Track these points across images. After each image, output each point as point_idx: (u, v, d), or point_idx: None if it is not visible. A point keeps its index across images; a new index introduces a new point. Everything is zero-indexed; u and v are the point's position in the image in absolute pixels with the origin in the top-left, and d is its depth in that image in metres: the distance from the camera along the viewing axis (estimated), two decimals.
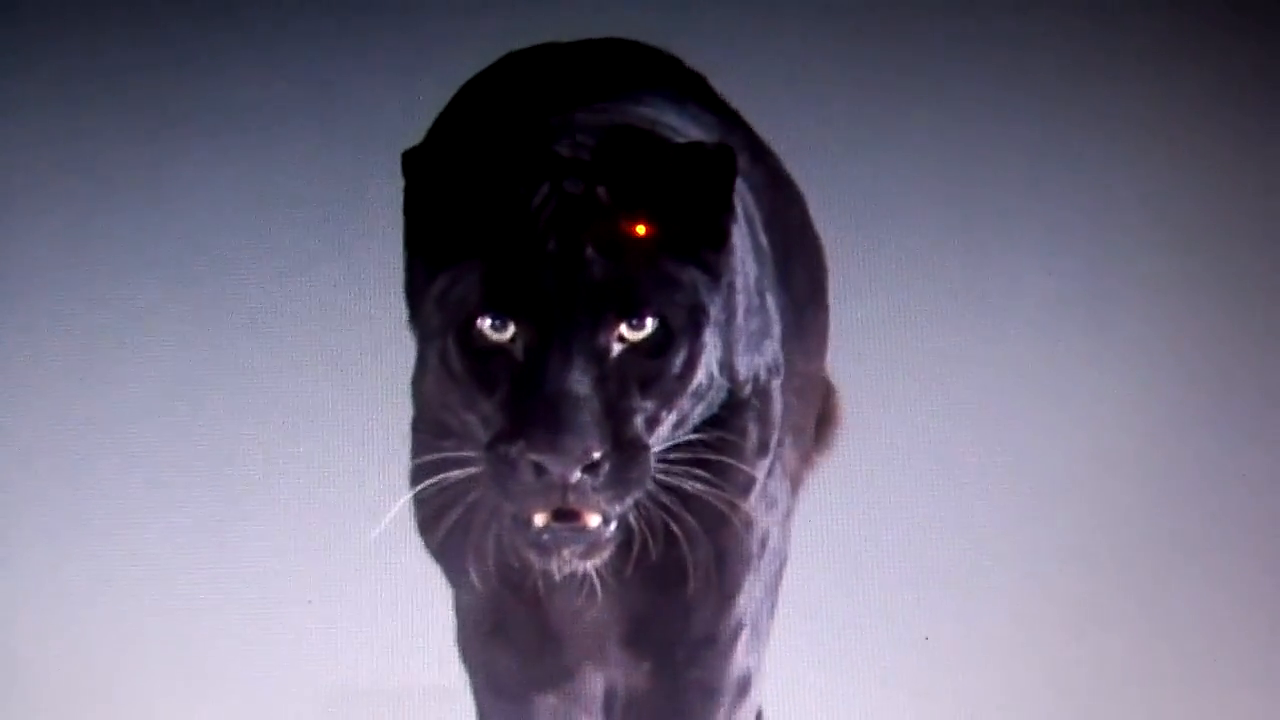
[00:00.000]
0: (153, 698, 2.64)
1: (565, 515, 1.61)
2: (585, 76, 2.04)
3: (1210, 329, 2.99)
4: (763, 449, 1.84)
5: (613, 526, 1.63)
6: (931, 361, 2.94)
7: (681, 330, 1.64)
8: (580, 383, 1.58)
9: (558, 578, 1.67)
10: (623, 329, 1.62)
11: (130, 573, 2.75)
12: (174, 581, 2.74)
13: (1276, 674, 2.68)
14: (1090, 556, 2.78)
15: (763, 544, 1.91)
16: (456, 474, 1.62)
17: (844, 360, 2.78)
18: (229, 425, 2.89)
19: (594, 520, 1.61)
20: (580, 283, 1.60)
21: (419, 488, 1.67)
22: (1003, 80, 3.26)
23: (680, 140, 1.80)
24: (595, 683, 1.93)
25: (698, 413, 1.67)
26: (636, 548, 1.67)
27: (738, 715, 2.02)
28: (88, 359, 2.96)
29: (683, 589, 1.77)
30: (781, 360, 1.90)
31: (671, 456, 1.63)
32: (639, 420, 1.60)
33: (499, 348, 1.62)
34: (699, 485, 1.64)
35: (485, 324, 1.62)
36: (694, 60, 2.33)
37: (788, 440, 1.95)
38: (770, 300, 1.91)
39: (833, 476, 2.72)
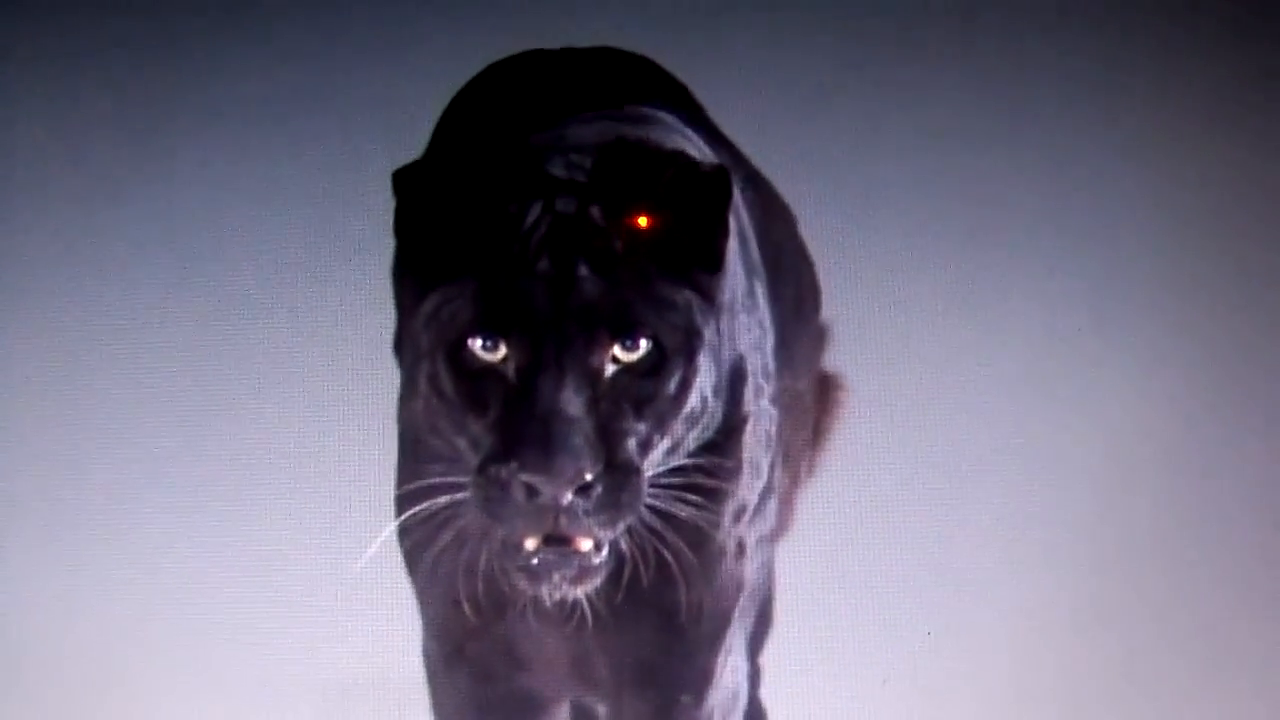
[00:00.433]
0: (155, 693, 2.64)
1: (556, 540, 1.60)
2: (575, 87, 2.02)
3: (1212, 325, 3.00)
4: (756, 472, 1.83)
5: (604, 553, 1.61)
6: (932, 358, 2.94)
7: (676, 352, 1.62)
8: (573, 403, 1.56)
9: (548, 603, 1.64)
10: (616, 350, 1.60)
11: (131, 569, 2.76)
12: (175, 578, 2.75)
13: (1276, 669, 2.68)
14: (1092, 552, 2.78)
15: (756, 568, 1.89)
16: (444, 499, 1.60)
17: (844, 356, 2.79)
18: (230, 421, 2.90)
19: (585, 544, 1.60)
20: (573, 302, 1.59)
21: (404, 516, 1.65)
22: (1003, 76, 3.24)
23: (673, 155, 1.78)
24: (562, 713, 1.91)
25: (691, 438, 1.65)
26: (627, 575, 1.65)
27: None
28: (87, 356, 2.97)
29: (675, 617, 1.76)
30: (774, 373, 1.89)
31: (664, 481, 1.61)
32: (632, 443, 1.59)
33: (490, 368, 1.60)
34: (691, 510, 1.62)
35: (476, 344, 1.60)
36: (692, 59, 2.31)
37: (779, 462, 1.93)
38: (765, 314, 1.90)
39: (833, 473, 2.73)
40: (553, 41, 2.23)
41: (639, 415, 1.60)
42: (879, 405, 2.83)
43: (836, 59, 3.26)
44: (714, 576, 1.77)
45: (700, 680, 1.87)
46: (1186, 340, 2.98)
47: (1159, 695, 2.64)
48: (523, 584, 1.62)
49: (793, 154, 2.95)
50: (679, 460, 1.63)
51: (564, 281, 1.59)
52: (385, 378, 2.04)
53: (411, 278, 1.68)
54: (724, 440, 1.70)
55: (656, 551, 1.62)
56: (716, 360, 1.67)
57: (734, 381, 1.75)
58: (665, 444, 1.62)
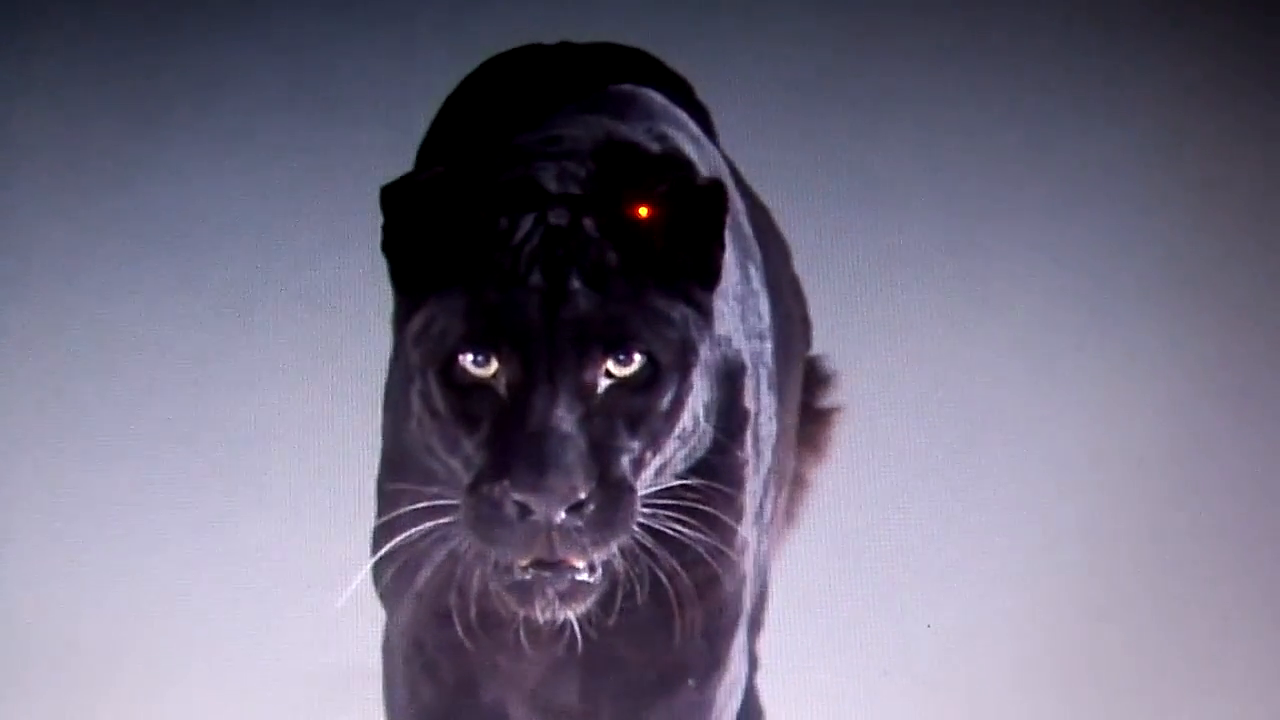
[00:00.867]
0: (154, 685, 2.65)
1: (548, 565, 1.57)
2: (567, 82, 1.98)
3: (1212, 320, 2.99)
4: (760, 465, 1.81)
5: (598, 572, 1.59)
6: (933, 353, 2.93)
7: (670, 368, 1.59)
8: (565, 420, 1.53)
9: (541, 622, 1.62)
10: (609, 365, 1.57)
11: (131, 561, 2.76)
12: (174, 570, 2.75)
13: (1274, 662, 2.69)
14: (1092, 545, 2.78)
15: (753, 587, 1.87)
16: (428, 525, 1.58)
17: (845, 349, 2.77)
18: (230, 415, 2.89)
19: (579, 563, 1.58)
20: (565, 316, 1.56)
21: (391, 544, 1.62)
22: (1003, 72, 3.22)
23: (668, 165, 1.75)
24: None
25: (680, 457, 1.62)
26: (620, 597, 1.63)
27: None
28: (87, 350, 2.96)
29: (669, 643, 1.74)
30: (773, 356, 1.86)
31: (657, 503, 1.59)
32: (625, 460, 1.56)
33: (482, 384, 1.57)
34: (685, 531, 1.60)
35: (467, 359, 1.58)
36: (692, 55, 2.29)
37: (771, 486, 1.91)
38: (762, 298, 1.88)
39: (835, 467, 2.71)
40: (552, 38, 2.21)
41: (632, 432, 1.57)
42: (880, 400, 2.83)
43: (835, 53, 3.24)
44: (714, 602, 1.74)
45: (710, 668, 1.84)
46: (1189, 334, 2.98)
47: (1159, 689, 2.65)
48: (513, 603, 1.59)
49: (791, 149, 2.94)
50: (668, 480, 1.61)
51: (556, 295, 1.56)
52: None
53: (400, 295, 1.66)
54: (719, 461, 1.67)
55: (650, 573, 1.60)
56: (710, 380, 1.65)
57: (732, 377, 1.73)
58: (657, 462, 1.59)
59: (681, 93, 2.13)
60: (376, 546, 1.73)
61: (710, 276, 1.65)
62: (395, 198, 1.62)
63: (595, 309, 1.57)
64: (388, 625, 1.94)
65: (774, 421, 1.89)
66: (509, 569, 1.58)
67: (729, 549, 1.68)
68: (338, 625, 2.65)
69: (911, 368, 2.91)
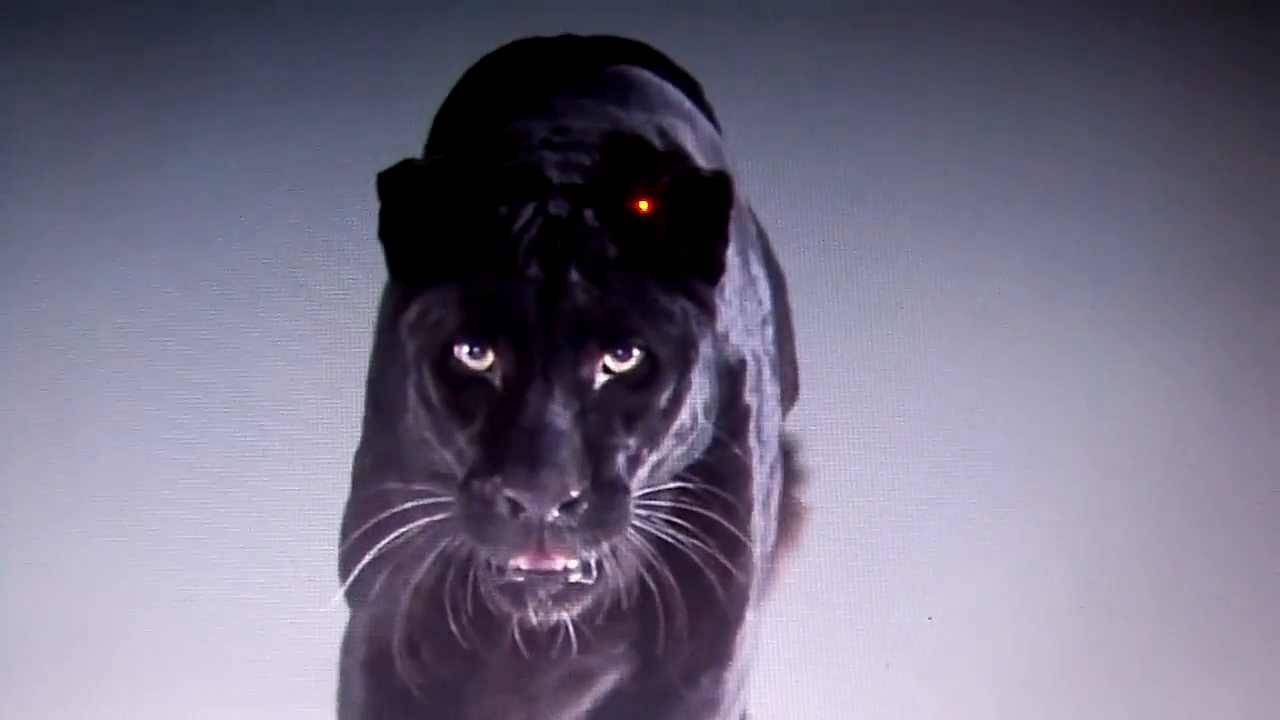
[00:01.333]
0: (153, 684, 2.64)
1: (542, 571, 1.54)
2: (567, 72, 1.95)
3: (1212, 316, 2.97)
4: (764, 453, 1.78)
5: (592, 574, 1.56)
6: (933, 346, 2.91)
7: (669, 364, 1.56)
8: (560, 416, 1.50)
9: (534, 622, 1.59)
10: (607, 360, 1.54)
11: (130, 555, 2.74)
12: (174, 566, 2.73)
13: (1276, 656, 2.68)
14: (1092, 538, 2.76)
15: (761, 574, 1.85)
16: (422, 522, 1.55)
17: (844, 348, 2.76)
18: (230, 409, 2.88)
19: (571, 563, 1.54)
20: (563, 309, 1.53)
21: (388, 540, 1.59)
22: (1004, 69, 3.20)
23: (673, 157, 1.71)
24: None
25: (677, 455, 1.59)
26: (609, 601, 1.60)
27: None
28: (85, 344, 2.95)
29: (652, 649, 1.71)
30: (773, 345, 1.84)
31: (653, 503, 1.55)
32: (621, 458, 1.53)
33: (477, 377, 1.54)
34: (682, 538, 1.57)
35: (463, 351, 1.55)
36: (690, 51, 2.27)
37: (776, 473, 1.88)
38: (763, 286, 1.85)
39: (834, 461, 2.70)
40: (553, 32, 2.19)
41: (629, 429, 1.54)
42: (879, 394, 2.81)
43: (836, 54, 3.21)
44: (714, 609, 1.71)
45: (719, 661, 1.81)
46: (1189, 328, 2.96)
47: (1159, 680, 2.64)
48: (505, 604, 1.56)
49: (790, 145, 2.92)
50: (665, 478, 1.57)
51: (554, 286, 1.53)
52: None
53: (397, 284, 1.62)
54: (720, 461, 1.64)
55: (641, 578, 1.57)
56: (711, 377, 1.61)
57: (732, 374, 1.70)
58: (653, 459, 1.56)
59: (680, 78, 2.09)
60: (354, 545, 1.69)
61: (713, 270, 1.61)
62: (392, 184, 1.58)
63: (594, 302, 1.54)
64: (350, 625, 1.91)
65: (777, 410, 1.87)
66: (501, 569, 1.55)
67: (728, 557, 1.65)
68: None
69: (914, 359, 2.89)
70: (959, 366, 2.89)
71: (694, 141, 1.80)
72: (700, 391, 1.60)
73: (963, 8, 3.24)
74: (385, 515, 1.59)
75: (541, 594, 1.55)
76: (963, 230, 3.02)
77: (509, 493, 1.49)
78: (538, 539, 1.50)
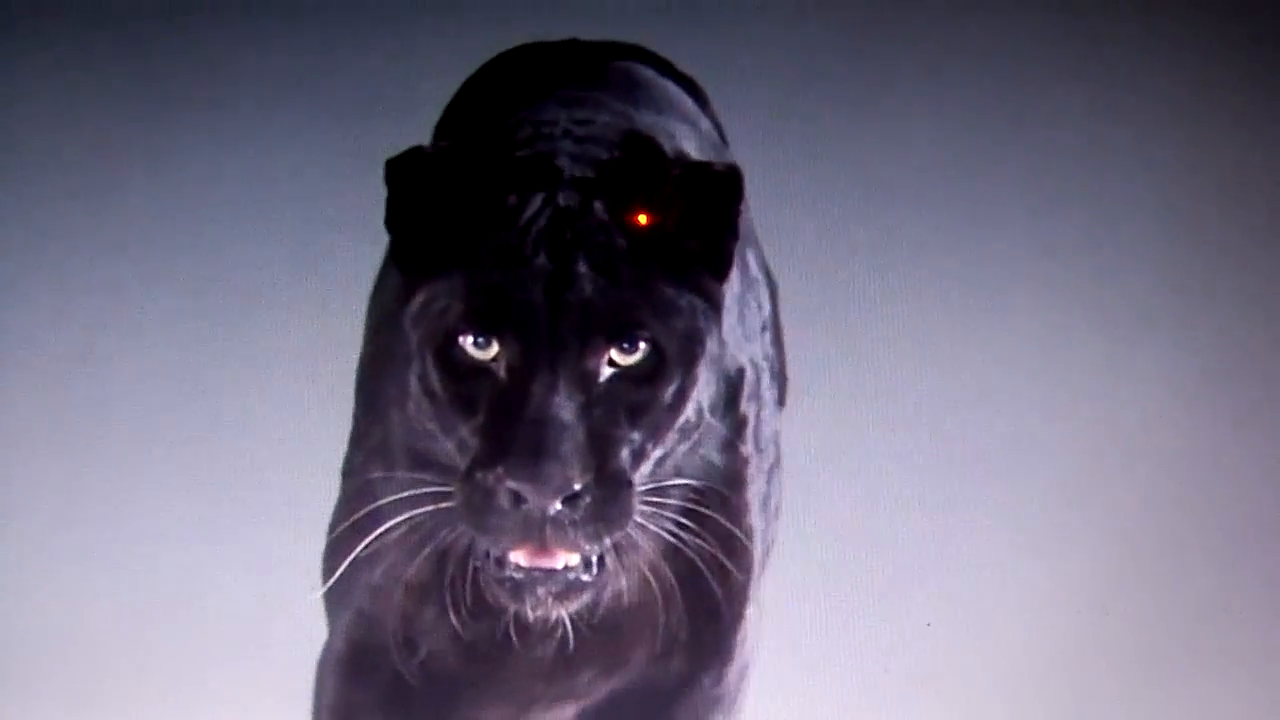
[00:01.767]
0: (153, 683, 2.64)
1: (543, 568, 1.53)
2: (574, 72, 1.94)
3: (1212, 314, 2.97)
4: (763, 459, 1.78)
5: (594, 570, 1.54)
6: (931, 346, 2.90)
7: (675, 358, 1.55)
8: (565, 408, 1.49)
9: (532, 618, 1.57)
10: (613, 353, 1.53)
11: (129, 557, 2.73)
12: (173, 569, 2.73)
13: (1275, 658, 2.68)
14: (1091, 542, 2.76)
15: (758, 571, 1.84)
16: (406, 515, 1.54)
17: (844, 347, 2.75)
18: (230, 410, 2.87)
19: (572, 559, 1.53)
20: (570, 300, 1.52)
21: (383, 528, 1.58)
22: (1005, 67, 3.19)
23: (677, 144, 1.71)
24: None
25: (681, 451, 1.58)
26: (608, 597, 1.59)
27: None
28: (85, 345, 2.94)
29: (675, 646, 1.70)
30: (773, 342, 1.83)
31: (662, 500, 1.54)
32: (625, 452, 1.52)
33: (482, 368, 1.53)
34: (684, 536, 1.56)
35: (467, 341, 1.53)
36: (689, 50, 2.26)
37: (775, 476, 1.88)
38: (761, 286, 1.84)
39: (832, 463, 2.70)
40: (554, 35, 2.19)
41: (633, 423, 1.53)
42: (878, 396, 2.80)
43: (835, 52, 3.21)
44: (714, 610, 1.71)
45: (719, 660, 1.81)
46: (1189, 329, 2.95)
47: (1159, 684, 2.64)
48: (504, 598, 1.55)
49: (789, 143, 2.92)
50: (669, 474, 1.56)
51: (561, 278, 1.52)
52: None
53: (401, 273, 1.61)
54: (726, 461, 1.63)
55: (641, 574, 1.56)
56: (717, 372, 1.61)
57: (730, 382, 1.69)
58: (657, 454, 1.55)
59: (683, 81, 2.09)
60: (338, 540, 1.68)
61: (722, 266, 1.61)
62: (401, 171, 1.57)
63: (600, 295, 1.53)
64: (329, 623, 1.90)
65: (777, 415, 1.86)
66: (501, 562, 1.54)
67: (728, 556, 1.64)
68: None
69: (912, 363, 2.89)
70: (956, 369, 2.89)
71: (697, 147, 1.80)
72: (706, 387, 1.59)
73: (961, 8, 3.24)
74: (367, 510, 1.58)
75: (541, 591, 1.54)
76: (959, 232, 3.02)
77: (511, 484, 1.48)
78: (540, 532, 1.49)
